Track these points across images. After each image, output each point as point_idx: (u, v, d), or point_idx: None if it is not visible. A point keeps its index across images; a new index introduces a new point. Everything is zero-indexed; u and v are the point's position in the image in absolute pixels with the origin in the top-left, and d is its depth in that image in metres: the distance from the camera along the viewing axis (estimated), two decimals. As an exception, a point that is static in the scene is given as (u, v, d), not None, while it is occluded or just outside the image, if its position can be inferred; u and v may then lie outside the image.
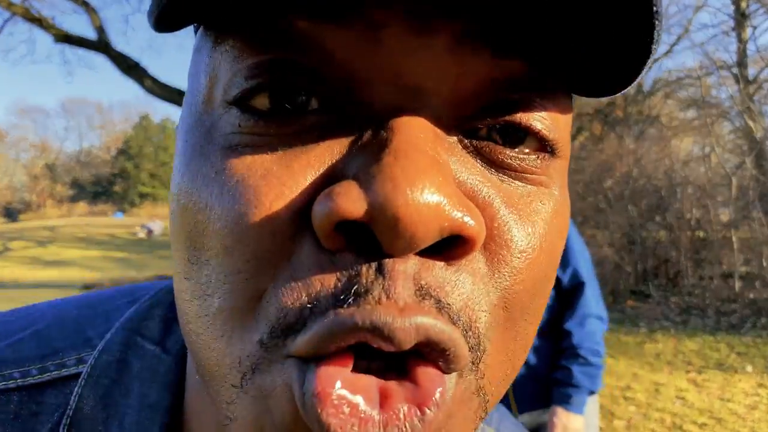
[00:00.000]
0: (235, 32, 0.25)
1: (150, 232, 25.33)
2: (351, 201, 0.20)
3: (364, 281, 0.21)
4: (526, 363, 1.49)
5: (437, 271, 0.22)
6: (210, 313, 0.24)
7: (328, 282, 0.21)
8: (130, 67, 13.45)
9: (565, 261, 1.52)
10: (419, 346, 0.21)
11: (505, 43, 0.23)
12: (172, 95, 13.44)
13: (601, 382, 1.48)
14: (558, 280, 1.52)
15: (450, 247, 0.22)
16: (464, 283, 0.22)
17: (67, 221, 31.81)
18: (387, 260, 0.21)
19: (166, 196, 41.06)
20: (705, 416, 3.53)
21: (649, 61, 0.24)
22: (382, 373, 0.22)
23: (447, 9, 0.22)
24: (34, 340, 0.37)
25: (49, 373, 0.35)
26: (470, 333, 0.22)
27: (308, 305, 0.21)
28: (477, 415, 0.24)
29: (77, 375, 0.35)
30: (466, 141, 0.25)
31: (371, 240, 0.21)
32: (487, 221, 0.23)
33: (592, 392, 1.43)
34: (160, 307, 0.39)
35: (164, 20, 0.24)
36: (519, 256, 0.24)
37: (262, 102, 0.24)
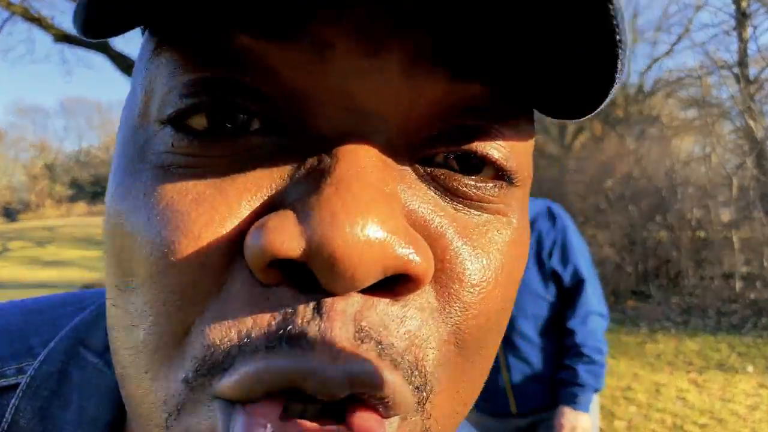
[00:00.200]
0: (172, 43, 0.23)
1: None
2: (285, 237, 0.19)
3: (300, 321, 0.19)
4: (527, 362, 1.48)
5: (381, 307, 0.20)
6: (135, 345, 0.22)
7: (260, 320, 0.20)
8: (130, 67, 13.49)
9: (566, 259, 1.52)
10: (357, 392, 0.20)
11: (463, 65, 0.22)
12: (172, 95, 13.47)
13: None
14: (559, 278, 1.52)
15: (396, 283, 0.20)
16: (412, 320, 0.21)
17: (66, 221, 31.83)
18: (326, 299, 0.20)
19: (165, 195, 40.92)
20: (706, 417, 3.52)
21: (615, 87, 0.22)
22: (318, 419, 0.20)
23: (402, 26, 0.21)
24: None
25: None
26: (416, 372, 0.21)
27: (237, 344, 0.19)
28: None
29: (16, 386, 0.33)
30: (420, 168, 0.23)
31: (310, 274, 0.19)
32: (439, 253, 0.22)
33: (596, 390, 1.43)
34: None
35: (93, 25, 0.22)
36: (472, 290, 0.23)
37: (198, 122, 0.22)
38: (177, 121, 0.22)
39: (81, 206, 40.92)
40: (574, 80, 0.23)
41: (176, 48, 0.23)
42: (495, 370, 1.52)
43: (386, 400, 0.20)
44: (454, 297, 0.22)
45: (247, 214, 0.21)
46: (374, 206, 0.19)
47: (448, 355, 0.22)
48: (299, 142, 0.22)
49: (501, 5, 0.20)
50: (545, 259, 1.52)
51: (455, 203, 0.23)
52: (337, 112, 0.21)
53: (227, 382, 0.19)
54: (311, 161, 0.21)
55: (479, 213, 0.24)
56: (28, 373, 0.34)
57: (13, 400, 0.33)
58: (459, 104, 0.22)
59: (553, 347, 1.50)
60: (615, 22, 0.19)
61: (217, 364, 0.20)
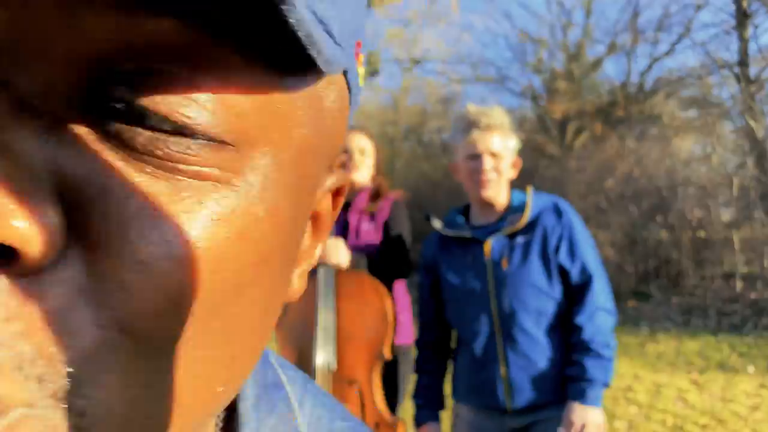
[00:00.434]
0: None
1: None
2: None
3: None
4: (526, 357, 1.47)
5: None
6: None
7: None
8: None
9: (573, 254, 1.50)
10: None
11: None
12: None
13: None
14: (567, 274, 1.50)
15: (13, 257, 0.17)
16: (46, 300, 0.18)
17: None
18: None
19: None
20: (706, 417, 3.51)
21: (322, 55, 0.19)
22: None
23: None
24: None
25: None
26: (38, 363, 0.17)
27: None
28: None
29: None
30: (94, 122, 0.19)
31: None
32: (95, 223, 0.18)
33: (605, 385, 1.42)
34: None
35: None
36: (137, 268, 0.19)
37: None
38: None
39: (81, 206, 41.05)
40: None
41: None
42: (492, 364, 1.51)
43: None
44: (110, 275, 0.18)
45: None
46: None
47: (113, 345, 0.19)
48: None
49: None
50: (551, 255, 1.50)
51: (142, 164, 0.19)
52: None
53: None
54: None
55: (175, 177, 0.20)
56: None
57: None
58: (138, 44, 0.18)
59: (555, 343, 1.49)
60: None
61: None
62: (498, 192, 1.58)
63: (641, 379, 4.31)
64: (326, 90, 0.25)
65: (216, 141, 0.20)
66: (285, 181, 0.23)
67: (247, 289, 0.22)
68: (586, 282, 1.49)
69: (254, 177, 0.21)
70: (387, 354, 1.78)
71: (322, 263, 1.83)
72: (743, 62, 9.23)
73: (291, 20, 0.18)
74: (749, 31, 9.30)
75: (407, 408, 2.13)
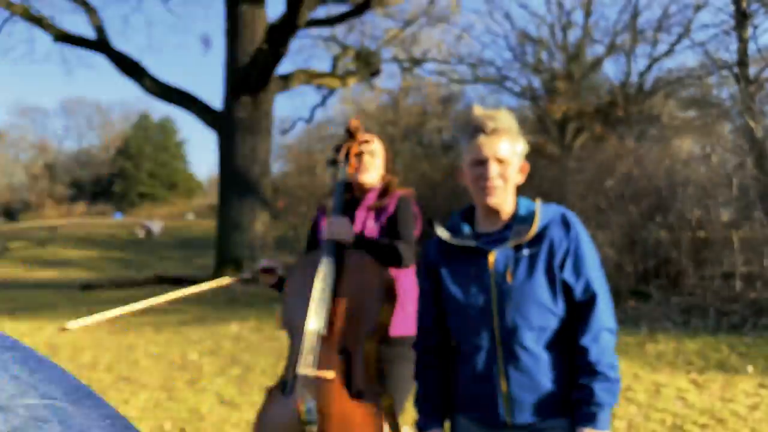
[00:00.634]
0: None
1: (149, 231, 25.07)
2: None
3: None
4: (528, 374, 1.45)
5: None
6: None
7: None
8: (130, 67, 13.42)
9: (578, 271, 1.47)
10: None
11: None
12: (172, 95, 13.41)
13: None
14: (570, 290, 1.47)
15: None
16: None
17: (66, 221, 31.78)
18: None
19: (165, 196, 40.98)
20: (706, 417, 3.52)
21: None
22: None
23: None
24: None
25: None
26: None
27: None
28: None
29: None
30: None
31: None
32: None
33: (612, 406, 1.41)
34: None
35: None
36: None
37: None
38: None
39: (81, 206, 40.84)
40: None
41: None
42: (493, 379, 1.48)
43: None
44: None
45: None
46: None
47: None
48: None
49: None
50: (556, 270, 1.46)
51: None
52: None
53: None
54: None
55: None
56: None
57: None
58: None
59: (555, 359, 1.46)
60: None
61: None
62: (504, 199, 1.54)
63: (641, 379, 4.31)
64: None
65: None
66: None
67: None
68: (589, 300, 1.46)
69: None
70: (382, 332, 1.90)
71: (327, 238, 1.96)
72: (742, 62, 9.23)
73: None
74: (748, 31, 9.30)
75: (409, 410, 2.13)
